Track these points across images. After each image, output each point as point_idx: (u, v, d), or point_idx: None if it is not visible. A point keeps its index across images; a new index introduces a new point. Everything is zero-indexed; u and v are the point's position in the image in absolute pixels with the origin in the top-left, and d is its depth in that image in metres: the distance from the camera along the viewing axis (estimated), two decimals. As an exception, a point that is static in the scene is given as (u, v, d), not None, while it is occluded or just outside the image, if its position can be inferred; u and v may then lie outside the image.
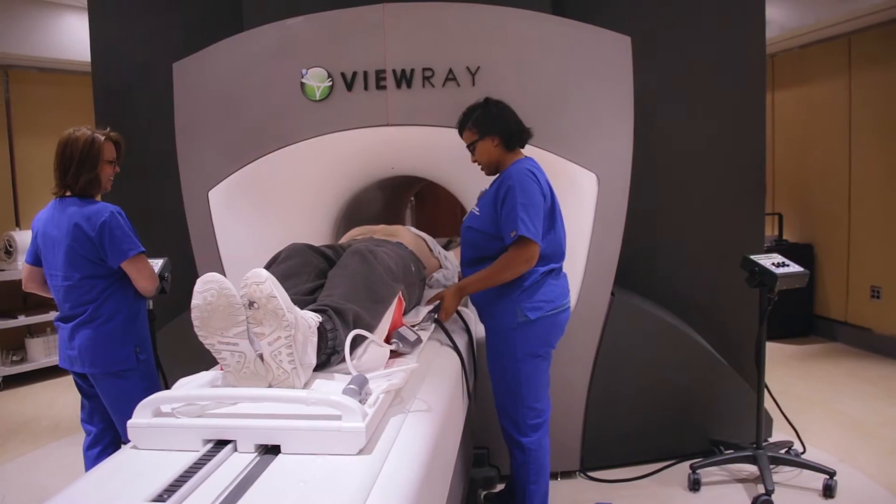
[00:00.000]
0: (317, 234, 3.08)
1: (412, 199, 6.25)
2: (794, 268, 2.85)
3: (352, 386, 1.36)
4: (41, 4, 4.97)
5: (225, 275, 3.01)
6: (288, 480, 1.18)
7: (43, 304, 5.11)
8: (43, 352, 4.93)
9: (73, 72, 5.30)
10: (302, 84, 2.81)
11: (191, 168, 2.98)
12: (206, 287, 1.38)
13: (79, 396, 2.39)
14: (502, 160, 2.35)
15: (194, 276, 3.09)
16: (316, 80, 2.81)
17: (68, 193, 2.33)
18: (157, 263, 2.70)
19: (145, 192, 3.55)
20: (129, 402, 2.33)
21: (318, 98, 2.81)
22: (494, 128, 2.32)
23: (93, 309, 2.30)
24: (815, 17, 4.70)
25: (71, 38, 5.06)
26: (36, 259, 2.41)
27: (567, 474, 3.08)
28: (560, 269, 2.33)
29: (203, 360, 3.12)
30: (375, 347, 1.62)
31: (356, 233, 2.68)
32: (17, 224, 5.18)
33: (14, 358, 4.88)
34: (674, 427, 3.22)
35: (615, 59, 2.82)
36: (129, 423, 1.36)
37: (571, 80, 2.81)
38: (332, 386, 1.44)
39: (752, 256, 2.92)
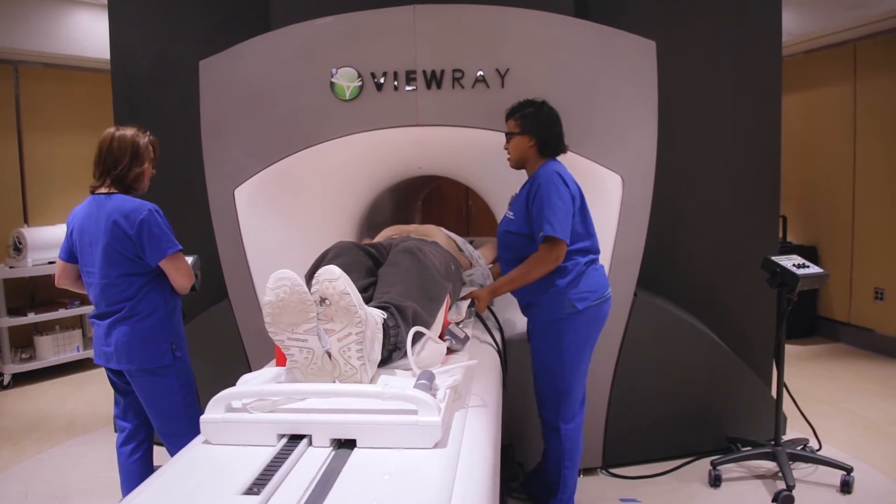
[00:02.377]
0: (343, 233, 3.10)
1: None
2: (815, 269, 2.91)
3: (423, 381, 1.39)
4: (52, 0, 4.95)
5: (250, 273, 3.05)
6: (371, 473, 1.20)
7: (52, 302, 5.09)
8: (52, 349, 4.90)
9: (84, 68, 5.27)
10: (332, 83, 2.82)
11: (217, 166, 2.99)
12: (278, 284, 1.40)
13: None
14: (531, 161, 2.44)
15: (215, 275, 3.14)
16: (346, 79, 2.83)
17: (107, 190, 2.33)
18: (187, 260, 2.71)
19: (164, 189, 3.55)
20: (164, 399, 2.39)
21: (347, 97, 2.83)
22: (537, 130, 2.41)
23: (130, 306, 2.31)
24: (823, 24, 4.78)
25: (82, 34, 5.04)
26: (70, 255, 2.41)
27: (589, 471, 3.12)
28: (598, 259, 2.40)
29: (224, 358, 3.15)
30: (432, 344, 1.66)
31: (391, 232, 2.70)
32: (26, 221, 5.15)
33: (23, 356, 4.85)
34: (692, 424, 3.27)
35: (641, 63, 2.87)
36: (203, 418, 1.38)
37: (598, 84, 2.85)
38: (401, 381, 1.47)
39: (773, 258, 2.97)
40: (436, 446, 1.29)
